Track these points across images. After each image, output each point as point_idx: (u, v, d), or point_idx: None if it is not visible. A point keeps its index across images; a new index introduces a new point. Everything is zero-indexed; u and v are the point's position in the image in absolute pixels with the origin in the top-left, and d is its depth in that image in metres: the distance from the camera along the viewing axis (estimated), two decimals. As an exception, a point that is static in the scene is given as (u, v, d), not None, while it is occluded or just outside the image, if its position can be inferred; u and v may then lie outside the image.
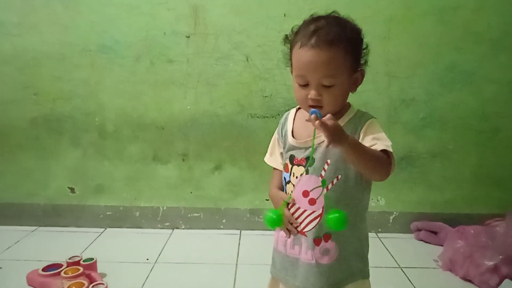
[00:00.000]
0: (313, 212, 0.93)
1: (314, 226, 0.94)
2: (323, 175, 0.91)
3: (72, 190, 2.18)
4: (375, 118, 0.95)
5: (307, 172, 0.93)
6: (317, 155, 0.93)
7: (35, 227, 2.17)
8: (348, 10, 1.00)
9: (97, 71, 2.10)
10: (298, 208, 0.95)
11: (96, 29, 2.06)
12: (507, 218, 1.75)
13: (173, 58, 2.08)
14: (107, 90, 2.11)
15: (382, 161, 0.86)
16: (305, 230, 0.94)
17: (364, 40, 0.96)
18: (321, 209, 0.93)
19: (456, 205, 2.14)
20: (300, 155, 0.96)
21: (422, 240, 2.07)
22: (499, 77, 2.05)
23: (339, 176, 0.92)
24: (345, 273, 0.96)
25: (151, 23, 2.05)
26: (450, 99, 2.08)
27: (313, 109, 0.79)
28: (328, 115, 0.78)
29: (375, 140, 0.89)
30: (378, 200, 2.16)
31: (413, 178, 2.14)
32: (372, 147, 0.87)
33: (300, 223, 0.95)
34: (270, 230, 1.00)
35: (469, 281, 1.67)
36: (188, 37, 2.06)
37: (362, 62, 0.95)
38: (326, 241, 0.94)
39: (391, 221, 2.17)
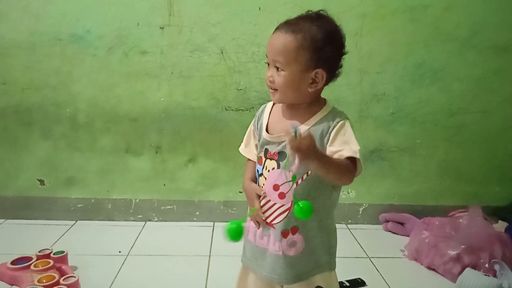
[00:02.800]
0: (282, 205, 0.96)
1: (283, 219, 0.96)
2: (294, 170, 0.93)
3: (41, 182, 2.14)
4: (348, 119, 0.96)
5: (278, 166, 0.96)
6: (289, 150, 0.94)
7: (2, 220, 2.12)
8: (322, 6, 1.02)
9: (68, 61, 2.06)
10: (269, 200, 0.97)
11: (67, 18, 2.01)
12: (470, 210, 1.83)
13: (146, 49, 2.06)
14: (78, 81, 2.08)
15: (346, 171, 0.89)
16: (273, 222, 0.97)
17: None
18: (290, 203, 0.95)
19: (423, 197, 2.22)
20: (273, 149, 0.97)
21: (390, 231, 2.14)
22: (466, 74, 2.12)
23: (309, 172, 0.94)
24: (312, 265, 0.99)
25: (124, 13, 2.02)
26: (419, 95, 2.14)
27: (293, 124, 0.80)
28: (306, 132, 0.81)
29: (344, 144, 0.91)
30: (348, 192, 2.21)
31: (382, 171, 2.20)
32: (339, 152, 0.90)
33: (269, 215, 0.97)
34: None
35: (433, 270, 1.74)
36: (162, 28, 2.04)
37: (324, 64, 0.93)
38: (293, 233, 0.96)
39: (360, 212, 2.23)
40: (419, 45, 2.10)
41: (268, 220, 0.98)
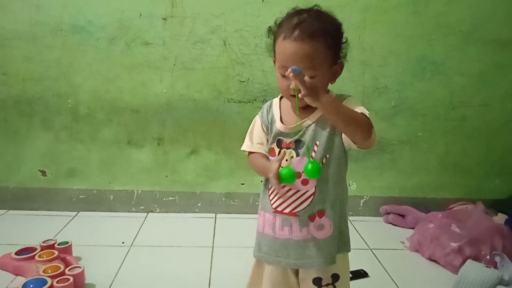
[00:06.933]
0: (306, 192, 0.97)
1: (308, 204, 0.97)
2: (313, 156, 0.95)
3: (43, 173, 2.14)
4: (352, 96, 1.00)
5: (297, 154, 0.97)
6: (307, 138, 0.97)
7: (4, 211, 2.12)
8: (325, -1, 1.03)
9: (69, 52, 2.05)
10: (289, 189, 0.98)
11: (69, 9, 2.00)
12: (474, 206, 1.85)
13: (149, 40, 2.05)
14: (80, 72, 2.07)
15: (363, 121, 0.91)
16: (296, 210, 0.98)
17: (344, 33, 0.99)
18: (313, 188, 0.97)
19: (423, 190, 2.24)
20: (288, 139, 0.99)
21: (390, 223, 2.15)
22: (467, 68, 2.13)
23: (328, 156, 0.96)
24: (336, 246, 1.00)
25: (126, 4, 2.01)
26: (420, 89, 2.15)
27: (294, 66, 0.84)
28: (307, 77, 0.84)
29: (355, 107, 0.94)
30: (349, 185, 2.22)
31: (383, 164, 2.22)
32: None
33: (289, 204, 0.98)
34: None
35: (434, 261, 1.76)
36: (165, 19, 2.03)
37: (341, 55, 0.99)
38: (320, 217, 0.98)
39: (361, 205, 2.25)
40: (421, 38, 2.11)
41: (287, 210, 0.98)
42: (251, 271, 1.10)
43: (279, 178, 0.93)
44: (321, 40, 0.91)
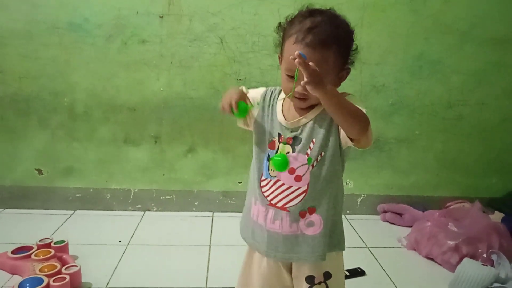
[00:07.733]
0: (299, 188, 0.97)
1: (300, 201, 0.97)
2: (309, 153, 0.95)
3: (39, 172, 2.13)
4: (353, 94, 0.98)
5: (293, 150, 0.97)
6: (304, 135, 0.97)
7: (0, 210, 2.11)
8: (323, -4, 1.02)
9: (66, 50, 2.03)
10: (282, 184, 0.98)
11: (65, 7, 1.99)
12: (472, 205, 1.85)
13: (146, 38, 2.04)
14: (76, 70, 2.06)
15: (361, 115, 0.89)
16: (287, 206, 0.98)
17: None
18: (306, 185, 0.96)
19: (420, 188, 2.25)
20: (286, 134, 0.99)
21: (387, 221, 2.16)
22: (465, 67, 2.14)
23: (323, 153, 0.95)
24: (327, 244, 0.99)
25: (123, 2, 2.00)
26: (418, 87, 2.15)
27: (301, 52, 0.81)
28: (313, 64, 0.81)
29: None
30: (346, 183, 2.22)
31: (380, 162, 2.22)
32: None
33: (282, 199, 0.98)
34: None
35: (431, 259, 1.77)
36: (162, 17, 2.02)
37: (349, 61, 0.97)
38: (310, 214, 0.97)
39: (359, 203, 2.25)
40: (419, 37, 2.11)
41: (280, 204, 0.98)
42: (244, 259, 1.10)
43: (272, 164, 0.96)
44: (333, 48, 0.89)
